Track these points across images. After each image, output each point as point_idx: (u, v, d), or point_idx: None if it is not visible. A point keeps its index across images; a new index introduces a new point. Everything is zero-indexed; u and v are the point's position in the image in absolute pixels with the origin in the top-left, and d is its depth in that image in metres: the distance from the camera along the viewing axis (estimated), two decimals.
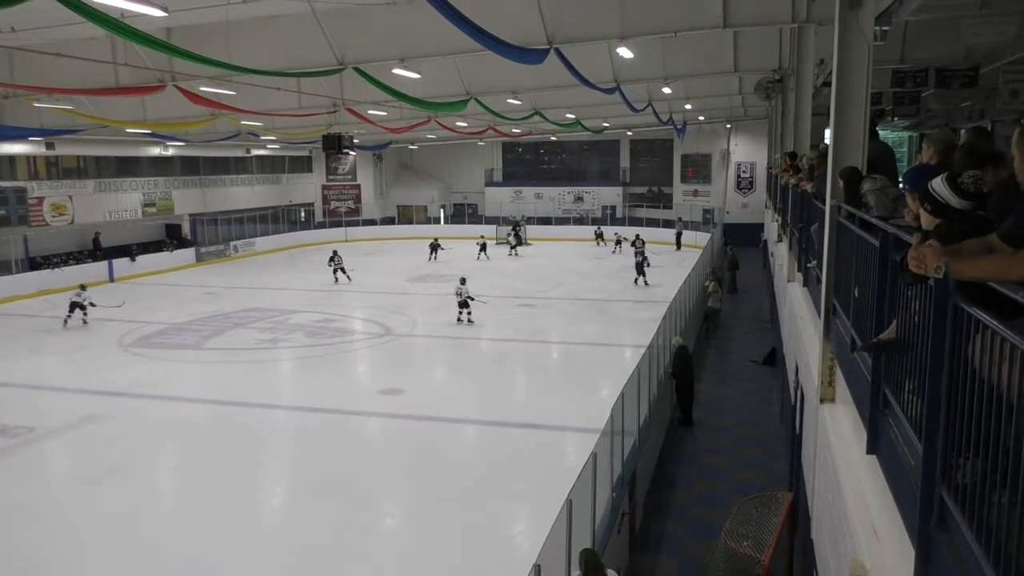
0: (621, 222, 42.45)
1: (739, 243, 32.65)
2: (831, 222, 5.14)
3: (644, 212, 43.40)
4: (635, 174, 46.11)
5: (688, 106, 28.17)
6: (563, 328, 20.26)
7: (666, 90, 20.26)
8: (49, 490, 10.53)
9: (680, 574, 8.05)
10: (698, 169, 42.49)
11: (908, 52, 14.25)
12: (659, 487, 10.13)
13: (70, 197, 29.31)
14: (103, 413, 13.36)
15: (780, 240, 13.67)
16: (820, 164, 7.24)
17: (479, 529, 8.96)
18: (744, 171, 40.70)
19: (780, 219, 14.12)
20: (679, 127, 34.23)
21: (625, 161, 46.21)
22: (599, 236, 39.05)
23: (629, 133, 42.24)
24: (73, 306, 20.88)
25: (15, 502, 9.87)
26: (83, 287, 21.64)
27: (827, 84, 11.61)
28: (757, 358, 16.39)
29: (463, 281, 20.74)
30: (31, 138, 24.82)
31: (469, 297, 20.30)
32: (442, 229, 43.81)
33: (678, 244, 37.34)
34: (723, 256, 27.49)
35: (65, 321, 20.75)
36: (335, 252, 29.28)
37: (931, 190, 2.97)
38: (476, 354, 18.08)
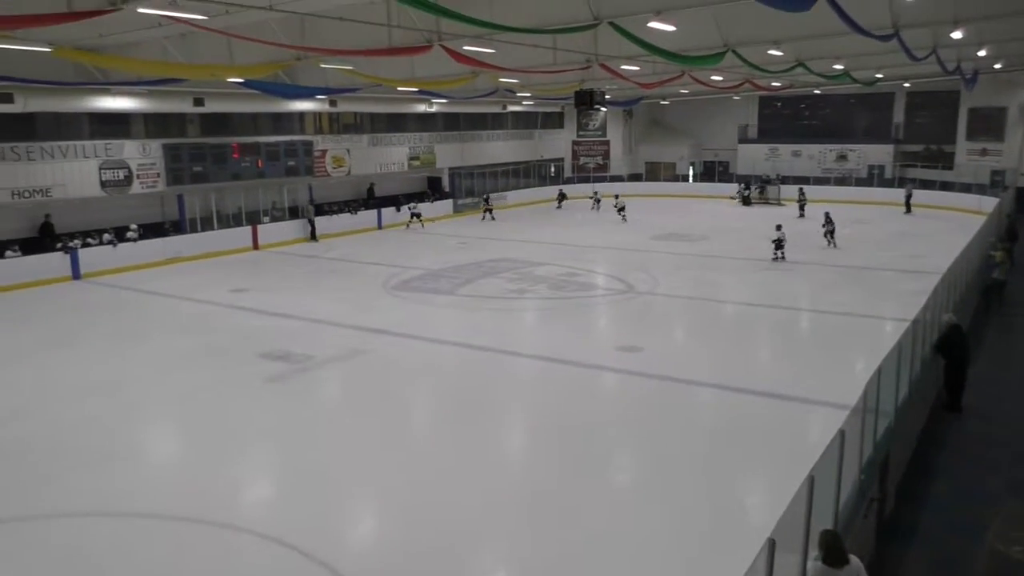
0: (890, 183, 38.84)
1: None
2: None
3: (918, 172, 39.22)
4: (910, 130, 41.69)
5: (982, 52, 24.61)
6: (814, 294, 19.07)
7: (956, 35, 17.86)
8: (321, 411, 11.90)
9: (932, 570, 7.38)
10: (989, 125, 37.42)
11: None
12: (915, 475, 9.28)
13: (348, 150, 32.35)
14: (368, 348, 14.78)
15: None
16: None
17: (710, 495, 8.80)
18: None
19: None
20: (968, 76, 30.25)
21: (899, 116, 41.89)
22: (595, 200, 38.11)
23: (906, 84, 38.16)
24: (412, 215, 31.37)
25: (294, 419, 11.29)
26: (415, 205, 31.79)
27: None
28: None
29: (779, 227, 23.73)
30: (318, 96, 27.61)
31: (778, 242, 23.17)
32: (688, 187, 42.98)
33: (908, 207, 34.04)
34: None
35: (407, 225, 31.38)
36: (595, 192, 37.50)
37: None
38: (718, 316, 17.58)
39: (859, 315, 16.81)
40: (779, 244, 23.16)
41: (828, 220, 25.55)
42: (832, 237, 25.34)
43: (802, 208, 33.89)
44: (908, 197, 34.70)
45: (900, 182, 38.57)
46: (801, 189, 35.19)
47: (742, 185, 39.86)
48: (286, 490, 9.20)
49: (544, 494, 8.82)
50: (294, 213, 29.70)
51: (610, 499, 8.89)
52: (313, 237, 28.53)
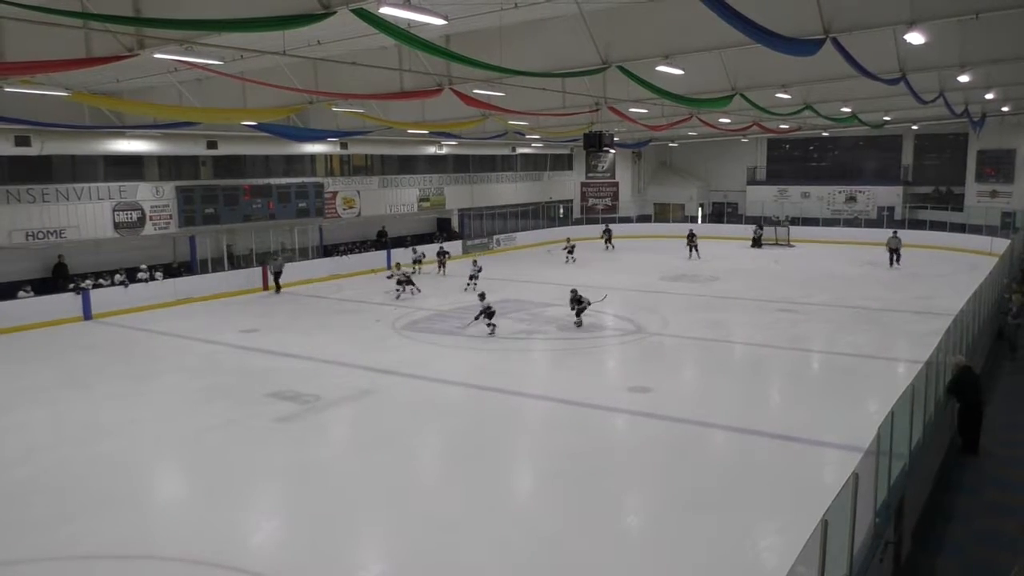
0: (900, 224, 38.83)
1: None
2: None
3: (928, 214, 39.22)
4: (919, 172, 41.83)
5: (990, 95, 24.78)
6: (827, 336, 18.93)
7: (963, 78, 18.01)
8: (329, 453, 11.80)
9: None
10: (998, 167, 37.52)
11: None
12: (931, 518, 9.11)
13: (358, 192, 32.68)
14: (377, 388, 14.72)
15: None
16: None
17: (722, 538, 8.65)
18: None
19: None
20: (976, 119, 30.44)
21: (908, 158, 42.07)
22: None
23: (914, 127, 38.43)
24: (473, 276, 26.01)
25: (302, 461, 11.19)
26: (475, 261, 27.94)
27: None
28: None
29: (482, 296, 19.71)
30: (329, 139, 27.96)
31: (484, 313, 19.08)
32: (699, 228, 43.00)
33: (755, 242, 36.15)
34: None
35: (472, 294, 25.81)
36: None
37: None
38: (729, 358, 17.46)
39: (871, 356, 16.68)
40: (577, 303, 19.64)
41: (575, 297, 19.93)
42: (578, 315, 19.95)
43: (693, 248, 34.10)
44: (757, 238, 36.72)
45: (911, 224, 38.51)
46: (691, 230, 35.12)
47: (756, 226, 39.56)
48: (294, 532, 9.09)
49: (553, 538, 8.68)
50: (304, 254, 29.87)
51: (619, 543, 8.74)
52: (276, 288, 26.34)
